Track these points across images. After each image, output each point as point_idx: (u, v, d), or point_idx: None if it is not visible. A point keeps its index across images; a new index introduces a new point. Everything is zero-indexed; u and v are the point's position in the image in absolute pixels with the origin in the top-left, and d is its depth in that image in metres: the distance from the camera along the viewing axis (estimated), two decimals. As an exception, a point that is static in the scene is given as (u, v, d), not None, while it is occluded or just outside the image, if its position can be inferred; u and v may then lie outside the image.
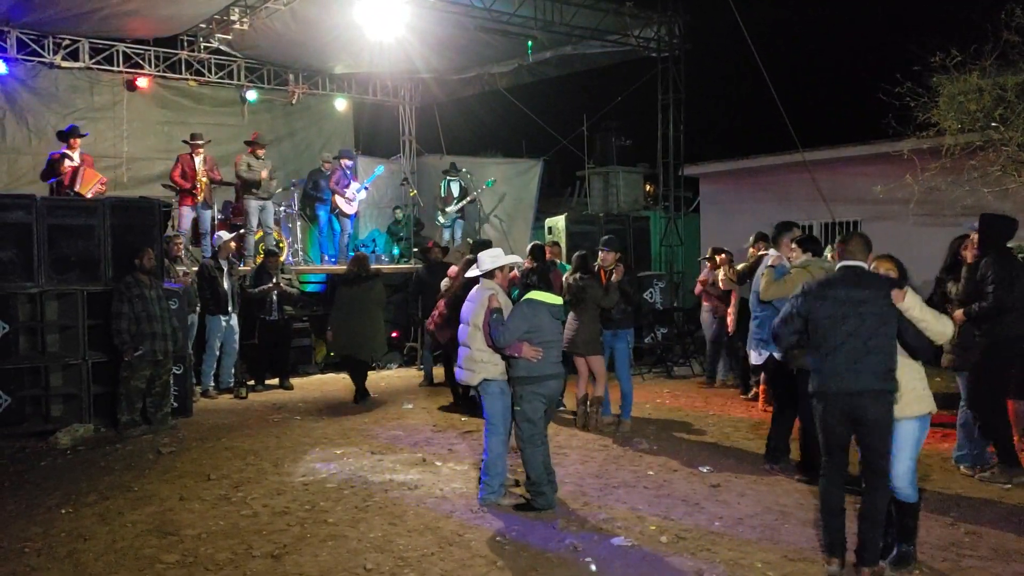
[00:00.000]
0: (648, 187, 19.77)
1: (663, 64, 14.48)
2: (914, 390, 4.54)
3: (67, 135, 10.77)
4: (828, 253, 7.35)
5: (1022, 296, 6.14)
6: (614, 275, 7.90)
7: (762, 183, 15.34)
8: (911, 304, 4.47)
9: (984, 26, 9.84)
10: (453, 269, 9.17)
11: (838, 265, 4.73)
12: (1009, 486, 6.04)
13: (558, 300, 5.90)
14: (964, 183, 10.78)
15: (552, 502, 5.66)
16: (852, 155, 13.76)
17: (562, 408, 8.71)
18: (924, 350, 4.57)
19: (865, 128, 13.21)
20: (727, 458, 7.03)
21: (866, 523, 4.48)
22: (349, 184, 13.60)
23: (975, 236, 6.40)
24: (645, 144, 15.93)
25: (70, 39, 13.10)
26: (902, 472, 4.53)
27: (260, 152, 12.32)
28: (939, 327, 4.53)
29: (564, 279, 8.13)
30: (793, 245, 6.46)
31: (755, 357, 6.73)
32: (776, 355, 6.21)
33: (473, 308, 5.90)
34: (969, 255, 6.45)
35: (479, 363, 5.82)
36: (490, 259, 5.99)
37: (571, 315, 7.85)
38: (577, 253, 8.30)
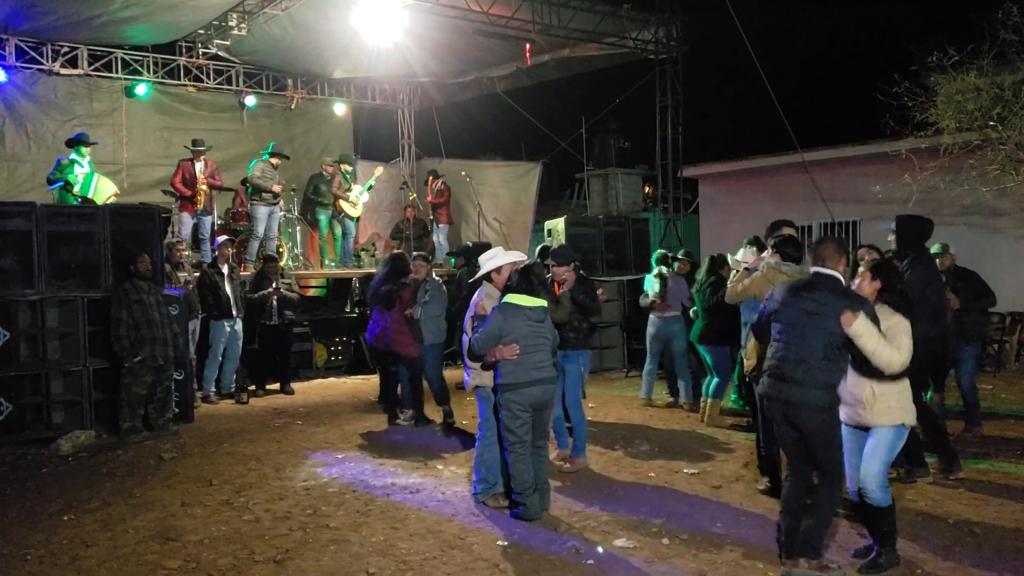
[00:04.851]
0: (647, 189, 19.80)
1: (661, 66, 14.51)
2: (887, 400, 4.57)
3: (77, 142, 10.73)
4: None
5: (939, 300, 6.17)
6: (565, 284, 6.77)
7: (761, 184, 15.35)
8: (860, 332, 4.37)
9: (981, 25, 9.88)
10: (422, 267, 8.57)
11: (811, 270, 4.67)
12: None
13: (538, 302, 5.63)
14: (963, 182, 10.81)
15: (535, 513, 5.48)
16: (851, 155, 13.77)
17: None
18: (871, 375, 4.55)
19: (863, 128, 13.25)
20: (729, 459, 7.03)
21: (811, 515, 4.49)
22: (351, 188, 13.60)
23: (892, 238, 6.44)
24: (644, 146, 15.98)
25: (69, 46, 13.13)
26: (873, 474, 4.57)
27: (276, 163, 12.33)
28: (886, 358, 4.41)
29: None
30: (770, 243, 6.18)
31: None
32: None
33: (468, 315, 5.87)
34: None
35: (472, 369, 5.80)
36: (486, 261, 5.87)
37: None
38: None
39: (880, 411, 4.58)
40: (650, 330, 9.37)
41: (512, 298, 5.56)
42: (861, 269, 4.83)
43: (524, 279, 5.62)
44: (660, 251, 9.92)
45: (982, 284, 7.83)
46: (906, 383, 4.65)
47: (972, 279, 7.86)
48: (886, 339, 4.44)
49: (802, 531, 4.50)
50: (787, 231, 6.27)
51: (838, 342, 4.43)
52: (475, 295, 5.96)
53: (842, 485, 4.58)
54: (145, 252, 8.29)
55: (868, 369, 4.51)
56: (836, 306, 4.42)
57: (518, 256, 5.95)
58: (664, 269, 9.29)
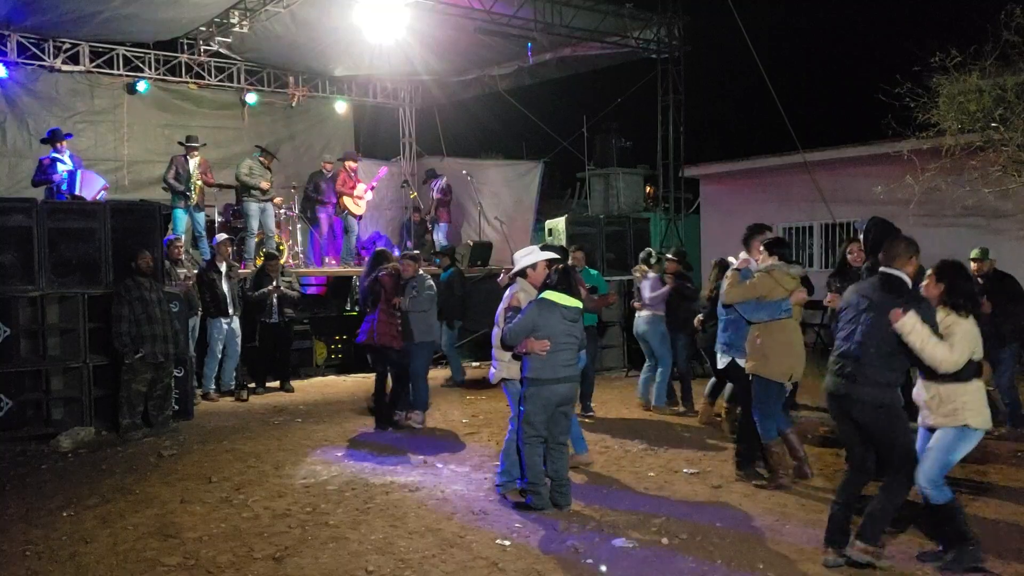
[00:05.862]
0: (648, 188, 19.80)
1: (663, 65, 14.50)
2: (951, 402, 4.55)
3: (51, 139, 10.70)
4: None
5: None
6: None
7: (762, 184, 15.34)
8: (907, 329, 4.38)
9: (984, 26, 9.84)
10: (409, 266, 8.51)
11: (880, 270, 4.72)
12: None
13: (574, 302, 5.70)
14: (964, 183, 10.78)
15: (544, 503, 5.62)
16: (852, 156, 13.77)
17: (591, 415, 8.61)
18: (925, 371, 4.56)
19: (865, 129, 13.25)
20: (729, 459, 7.01)
21: (879, 497, 4.57)
22: (355, 185, 13.58)
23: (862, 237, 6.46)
24: (645, 145, 15.99)
25: (70, 43, 13.11)
26: (924, 470, 4.58)
27: (267, 161, 12.34)
28: (937, 356, 4.39)
29: None
30: (761, 248, 6.23)
31: (720, 361, 6.67)
32: (739, 361, 6.25)
33: (500, 308, 5.93)
34: (857, 258, 6.53)
35: (501, 362, 5.89)
36: (522, 257, 5.94)
37: None
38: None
39: (944, 413, 4.56)
40: (635, 328, 9.35)
41: (550, 295, 5.65)
42: (928, 272, 4.78)
43: (564, 278, 5.73)
44: (646, 250, 9.91)
45: (1016, 287, 7.91)
46: (977, 385, 4.57)
47: (1006, 282, 7.92)
48: (942, 338, 4.43)
49: (867, 512, 4.56)
50: (768, 234, 6.42)
51: (891, 340, 4.45)
52: (508, 289, 6.03)
53: (914, 473, 4.56)
54: (146, 249, 8.30)
55: (926, 369, 4.53)
56: (891, 304, 4.46)
57: (553, 255, 6.02)
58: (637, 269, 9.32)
